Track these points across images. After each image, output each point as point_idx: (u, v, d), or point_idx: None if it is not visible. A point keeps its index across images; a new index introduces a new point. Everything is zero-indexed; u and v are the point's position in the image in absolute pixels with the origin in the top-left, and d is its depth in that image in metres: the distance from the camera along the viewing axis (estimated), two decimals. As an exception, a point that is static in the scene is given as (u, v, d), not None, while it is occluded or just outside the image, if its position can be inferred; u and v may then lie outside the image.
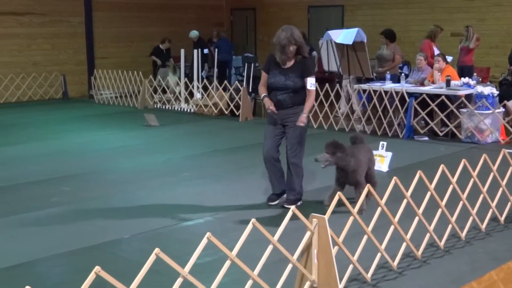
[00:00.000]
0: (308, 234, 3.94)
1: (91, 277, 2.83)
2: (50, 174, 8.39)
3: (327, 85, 12.32)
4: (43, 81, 17.74)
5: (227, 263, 3.50)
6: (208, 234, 3.34)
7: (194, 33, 17.66)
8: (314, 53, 16.38)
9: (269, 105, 6.47)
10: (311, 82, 6.36)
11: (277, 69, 6.43)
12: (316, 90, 12.02)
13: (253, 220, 3.64)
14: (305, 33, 5.68)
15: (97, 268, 2.83)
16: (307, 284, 3.97)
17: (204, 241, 3.33)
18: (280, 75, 6.41)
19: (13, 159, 9.45)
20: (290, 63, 6.40)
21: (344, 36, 12.53)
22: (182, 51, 15.60)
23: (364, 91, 11.82)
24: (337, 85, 12.67)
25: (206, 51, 17.46)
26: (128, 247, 5.53)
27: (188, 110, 14.96)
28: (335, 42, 12.85)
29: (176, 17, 20.41)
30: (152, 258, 3.07)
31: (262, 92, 6.64)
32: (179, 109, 15.20)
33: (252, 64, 15.42)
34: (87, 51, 18.85)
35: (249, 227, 3.62)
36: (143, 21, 19.71)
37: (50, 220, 6.36)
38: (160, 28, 19.48)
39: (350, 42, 12.32)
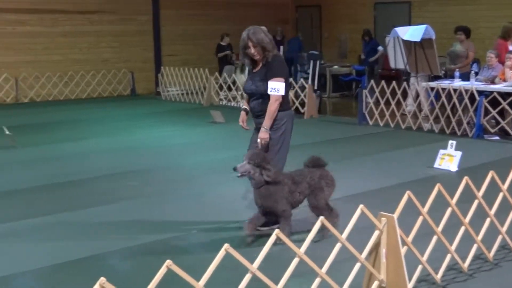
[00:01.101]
0: (376, 233, 3.89)
1: (162, 270, 2.87)
2: (118, 169, 8.57)
3: (394, 82, 12.14)
4: (112, 78, 18.15)
5: (295, 261, 3.49)
6: (276, 231, 3.34)
7: (260, 30, 17.69)
8: (380, 47, 16.17)
9: (240, 120, 5.94)
10: (271, 86, 5.53)
11: (249, 74, 5.85)
12: (382, 88, 12.04)
13: (321, 218, 3.62)
14: (282, 33, 4.83)
15: (168, 262, 2.87)
16: (375, 283, 3.93)
17: (272, 238, 3.33)
18: (249, 80, 5.80)
19: (83, 154, 9.69)
20: (258, 67, 5.73)
21: (411, 33, 12.32)
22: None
23: (432, 89, 11.60)
24: (404, 83, 12.47)
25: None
26: (195, 242, 5.59)
27: (253, 107, 14.99)
28: (402, 39, 12.65)
29: (241, 15, 20.47)
30: (221, 253, 3.09)
31: (244, 102, 6.04)
32: (244, 106, 15.26)
33: (318, 62, 15.36)
34: (155, 49, 19.18)
35: (317, 225, 3.60)
36: (209, 19, 19.89)
37: (118, 214, 6.49)
38: (225, 26, 19.59)
39: (418, 39, 12.10)
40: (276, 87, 5.54)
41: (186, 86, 16.74)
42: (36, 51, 17.03)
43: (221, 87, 16.29)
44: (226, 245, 3.10)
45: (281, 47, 16.46)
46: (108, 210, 6.64)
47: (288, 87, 5.75)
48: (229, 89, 16.30)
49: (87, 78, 17.64)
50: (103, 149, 10.10)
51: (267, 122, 5.57)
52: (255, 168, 5.25)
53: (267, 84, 5.56)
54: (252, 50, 5.61)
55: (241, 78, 16.45)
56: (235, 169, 5.32)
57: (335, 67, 18.00)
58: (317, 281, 3.67)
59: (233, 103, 15.66)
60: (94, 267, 4.98)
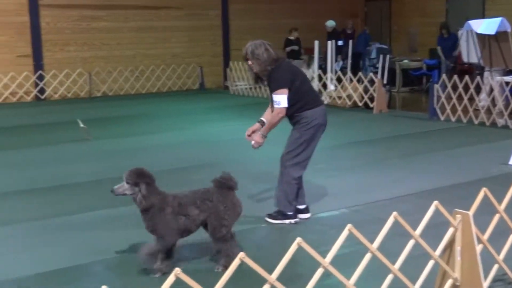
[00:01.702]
0: (451, 230, 3.81)
1: (235, 262, 2.89)
2: (189, 162, 8.70)
3: (466, 77, 11.84)
4: (182, 73, 18.41)
5: (368, 256, 3.45)
6: (349, 226, 3.32)
7: (331, 23, 17.59)
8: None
9: (248, 129, 5.95)
10: (274, 100, 5.61)
11: None
12: (454, 83, 11.75)
13: (394, 213, 3.57)
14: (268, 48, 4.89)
15: (241, 254, 2.89)
16: (449, 281, 3.85)
17: (345, 233, 3.31)
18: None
19: (153, 147, 9.87)
20: (265, 81, 5.81)
21: (486, 26, 11.99)
22: (316, 42, 15.58)
23: (507, 83, 11.26)
24: (478, 77, 12.15)
25: (340, 42, 17.34)
26: (266, 236, 5.62)
27: (321, 102, 14.93)
28: (476, 33, 12.32)
29: (310, 8, 20.41)
30: (293, 247, 3.09)
31: (265, 113, 6.02)
32: (312, 101, 15.21)
33: (387, 56, 15.14)
34: (223, 43, 19.33)
35: (391, 220, 3.55)
36: (278, 13, 19.89)
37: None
38: (293, 20, 19.57)
39: (493, 32, 11.78)
40: (277, 100, 5.58)
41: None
42: (109, 46, 17.46)
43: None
44: (298, 239, 3.10)
45: (350, 41, 16.28)
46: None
47: (305, 83, 5.77)
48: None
49: (157, 73, 17.96)
50: (173, 142, 10.26)
51: (265, 130, 5.72)
52: (133, 188, 4.55)
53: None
54: (249, 62, 5.72)
55: (308, 73, 16.39)
56: (112, 191, 4.64)
57: (405, 61, 17.70)
58: (390, 277, 3.62)
59: (301, 98, 15.61)
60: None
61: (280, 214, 5.90)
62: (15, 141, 10.68)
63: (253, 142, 5.78)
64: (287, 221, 5.86)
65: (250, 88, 16.85)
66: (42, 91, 16.48)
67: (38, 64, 16.43)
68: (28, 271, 4.78)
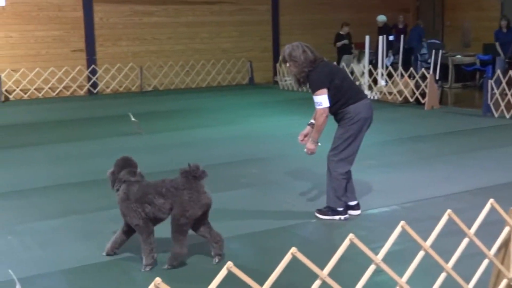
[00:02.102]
0: (507, 229, 3.73)
1: (287, 257, 2.89)
2: (239, 156, 8.74)
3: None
4: (231, 67, 18.48)
5: (421, 254, 3.41)
6: (402, 222, 3.28)
7: (382, 18, 17.39)
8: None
9: (301, 133, 6.02)
10: (315, 101, 5.64)
11: None
12: (509, 78, 11.46)
13: (449, 211, 3.51)
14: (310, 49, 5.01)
15: (293, 249, 2.89)
16: (504, 281, 3.76)
17: (398, 230, 3.27)
18: None
19: (205, 141, 9.95)
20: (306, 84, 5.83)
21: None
22: (367, 37, 15.43)
23: None
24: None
25: (391, 37, 17.13)
26: (315, 231, 5.61)
27: (372, 97, 14.79)
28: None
29: (360, 3, 20.23)
30: (346, 243, 3.07)
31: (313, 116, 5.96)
32: (362, 96, 15.09)
33: (440, 51, 14.88)
34: (273, 38, 19.32)
35: (445, 218, 3.49)
36: (328, 8, 19.78)
37: (239, 200, 6.61)
38: (344, 14, 19.41)
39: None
40: (318, 101, 5.60)
41: (303, 76, 16.73)
42: (160, 41, 17.65)
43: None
44: (351, 235, 3.08)
45: (402, 36, 16.05)
46: (229, 196, 6.77)
47: (345, 80, 5.77)
48: (347, 78, 16.12)
49: (207, 67, 18.08)
50: (223, 136, 10.32)
51: (314, 135, 5.72)
52: (111, 175, 4.93)
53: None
54: (287, 65, 5.79)
55: (359, 68, 16.26)
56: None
57: (458, 56, 17.37)
58: (443, 276, 3.57)
59: (351, 93, 15.50)
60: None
61: (330, 210, 5.88)
62: (69, 134, 10.90)
63: (305, 149, 5.82)
64: (336, 217, 5.85)
65: (300, 83, 16.77)
66: (94, 85, 16.78)
67: (91, 59, 16.73)
68: (77, 263, 4.88)
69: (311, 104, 6.40)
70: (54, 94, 16.34)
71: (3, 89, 15.63)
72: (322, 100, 5.59)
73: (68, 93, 16.50)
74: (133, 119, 10.65)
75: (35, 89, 16.06)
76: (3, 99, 15.53)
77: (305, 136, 5.95)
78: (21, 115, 13.34)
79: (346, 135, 5.76)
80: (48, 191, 7.12)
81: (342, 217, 5.85)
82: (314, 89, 5.63)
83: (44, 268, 4.79)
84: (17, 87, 15.86)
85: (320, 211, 5.96)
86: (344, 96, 5.67)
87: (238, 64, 18.61)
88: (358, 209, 6.04)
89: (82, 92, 16.69)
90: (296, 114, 12.54)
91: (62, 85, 16.34)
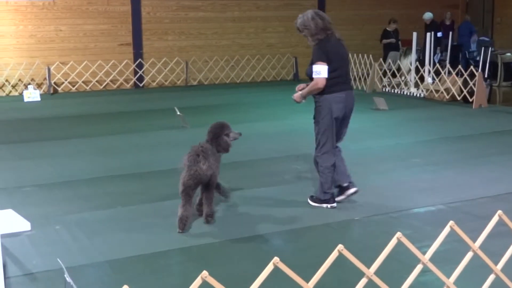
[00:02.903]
0: (558, 232, 3.65)
1: (333, 254, 2.88)
2: (282, 152, 8.74)
3: None
4: (276, 63, 18.48)
5: (469, 255, 3.36)
6: (451, 222, 3.24)
7: (428, 15, 17.15)
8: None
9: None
10: (314, 70, 5.87)
11: None
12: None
13: (499, 212, 3.45)
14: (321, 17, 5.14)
15: (340, 246, 2.88)
16: (554, 285, 3.68)
17: (446, 229, 3.23)
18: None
19: (249, 136, 9.91)
20: None
21: None
22: (414, 34, 15.25)
23: None
24: None
25: (439, 34, 16.88)
26: (359, 229, 5.57)
27: (418, 95, 14.62)
28: None
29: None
30: (393, 242, 3.05)
31: None
32: (408, 94, 14.92)
33: (489, 49, 14.60)
34: (319, 34, 19.21)
35: (495, 218, 3.43)
36: (375, 4, 19.60)
37: (282, 196, 6.60)
38: (391, 10, 19.21)
39: None
40: (317, 70, 5.84)
41: (353, 71, 16.63)
42: (206, 35, 17.74)
43: (384, 74, 16.02)
44: (398, 234, 3.05)
45: (450, 33, 15.80)
46: (272, 192, 6.78)
47: (340, 66, 5.98)
48: (393, 75, 15.97)
49: (252, 63, 18.11)
50: (267, 132, 10.32)
51: (305, 91, 6.01)
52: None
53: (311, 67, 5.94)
54: (303, 34, 6.05)
55: (406, 65, 16.08)
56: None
57: (508, 54, 17.01)
58: (491, 277, 3.51)
59: (396, 90, 15.35)
60: (260, 246, 5.11)
61: (318, 199, 6.22)
62: (115, 127, 11.05)
63: (294, 95, 6.13)
64: (324, 205, 6.15)
65: (345, 80, 16.66)
66: (140, 79, 16.98)
67: (137, 53, 16.93)
68: (122, 254, 4.96)
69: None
70: (101, 87, 16.59)
71: (52, 82, 15.93)
72: (321, 69, 5.84)
73: (114, 87, 16.73)
74: (178, 113, 10.74)
75: (82, 82, 16.33)
76: (52, 91, 15.84)
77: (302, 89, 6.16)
78: (69, 107, 13.59)
79: (322, 130, 6.07)
80: (95, 182, 7.24)
81: (329, 205, 6.14)
82: (316, 60, 5.88)
83: (91, 258, 4.88)
84: (66, 80, 16.16)
85: (312, 198, 6.27)
86: (329, 82, 5.88)
87: (283, 59, 18.59)
88: (353, 187, 6.27)
89: (128, 86, 16.91)
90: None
91: (109, 79, 16.58)
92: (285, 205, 6.29)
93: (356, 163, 7.99)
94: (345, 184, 6.27)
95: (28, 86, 15.22)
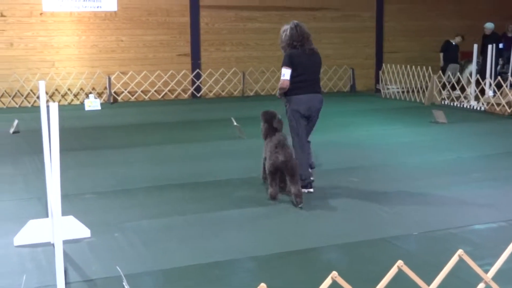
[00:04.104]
0: None
1: (393, 270, 2.84)
2: (338, 164, 8.69)
3: None
4: (333, 74, 18.41)
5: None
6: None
7: (490, 25, 16.82)
8: None
9: None
10: (282, 72, 7.03)
11: None
12: None
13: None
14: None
15: (400, 262, 2.84)
16: None
17: (510, 248, 3.14)
18: None
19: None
20: None
21: None
22: (475, 46, 14.97)
23: None
24: None
25: (501, 45, 16.52)
26: (417, 244, 5.48)
27: (478, 108, 14.32)
28: None
29: (469, 10, 19.64)
30: (454, 259, 2.99)
31: None
32: (468, 107, 14.63)
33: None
34: (376, 45, 19.10)
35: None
36: (434, 14, 19.35)
37: (338, 208, 6.55)
38: (451, 22, 18.95)
39: None
40: (283, 73, 7.02)
41: (407, 84, 16.45)
42: (263, 46, 17.81)
43: (443, 86, 15.75)
44: (460, 251, 2.99)
45: (512, 45, 15.46)
46: (328, 204, 6.73)
47: (304, 73, 7.01)
48: (453, 88, 15.70)
49: (309, 74, 18.04)
50: (322, 144, 10.24)
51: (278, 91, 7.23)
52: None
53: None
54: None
55: (465, 78, 15.78)
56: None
57: None
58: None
59: (456, 103, 15.07)
60: (316, 259, 5.08)
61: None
62: (172, 136, 11.20)
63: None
64: (303, 190, 6.94)
65: (403, 92, 16.49)
66: (198, 89, 17.17)
67: (195, 63, 17.14)
68: (178, 263, 4.99)
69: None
70: (160, 96, 16.85)
71: (112, 91, 16.27)
72: (285, 73, 6.99)
73: (172, 96, 16.97)
74: (235, 123, 10.80)
75: (141, 91, 16.63)
76: (112, 100, 16.18)
77: None
78: (128, 116, 13.84)
79: (289, 126, 7.22)
80: (152, 191, 7.34)
81: (306, 190, 7.05)
82: (282, 64, 7.03)
83: (148, 266, 4.94)
84: (125, 89, 16.48)
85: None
86: (294, 86, 7.00)
87: (340, 71, 18.51)
88: (310, 187, 7.19)
89: (186, 96, 17.12)
90: (399, 123, 12.33)
91: (167, 88, 16.83)
92: (341, 218, 6.24)
93: (414, 177, 7.89)
94: (304, 180, 7.03)
95: (89, 95, 15.63)
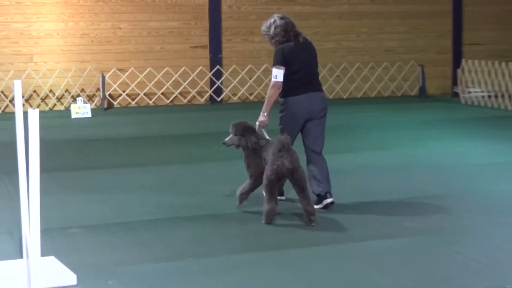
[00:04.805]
0: None
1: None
2: (404, 192, 8.62)
3: None
4: (396, 73, 18.38)
5: None
6: None
7: None
8: None
9: None
10: (272, 73, 7.72)
11: None
12: None
13: None
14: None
15: None
16: None
17: None
18: None
19: (361, 169, 9.90)
20: None
21: None
22: None
23: None
24: None
25: None
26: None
27: None
28: None
29: None
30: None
31: None
32: None
33: None
34: (454, 36, 19.01)
35: None
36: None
37: (402, 252, 6.48)
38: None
39: None
40: (274, 74, 7.67)
41: (494, 86, 16.30)
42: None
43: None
44: None
45: None
46: (389, 246, 6.64)
47: (302, 68, 7.74)
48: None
49: (364, 72, 18.04)
50: (384, 164, 10.22)
51: (264, 106, 7.84)
52: (240, 138, 7.67)
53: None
54: (266, 39, 8.19)
55: None
56: (224, 143, 7.92)
57: None
58: None
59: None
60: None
61: None
62: (184, 153, 11.27)
63: (257, 123, 7.87)
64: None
65: (489, 97, 16.35)
66: (218, 91, 17.19)
67: (215, 58, 17.16)
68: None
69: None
70: (168, 101, 16.93)
71: (107, 93, 16.36)
72: (278, 73, 7.62)
73: (185, 101, 17.04)
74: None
75: (144, 94, 16.72)
76: (106, 105, 16.30)
77: None
78: (127, 126, 13.93)
79: (281, 127, 7.89)
80: (158, 225, 7.34)
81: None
82: (274, 63, 7.73)
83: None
84: (123, 91, 16.57)
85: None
86: (290, 85, 7.68)
87: (405, 68, 18.45)
88: (330, 197, 7.83)
89: (202, 100, 17.16)
90: (484, 139, 12.23)
91: (178, 90, 16.90)
92: (407, 266, 6.17)
93: (507, 211, 7.76)
94: (323, 194, 7.77)
95: (77, 98, 15.73)
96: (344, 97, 17.94)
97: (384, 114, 15.24)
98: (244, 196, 7.69)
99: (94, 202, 8.28)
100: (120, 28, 16.59)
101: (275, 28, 7.83)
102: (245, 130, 7.65)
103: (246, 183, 7.71)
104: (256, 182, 7.60)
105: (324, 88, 17.28)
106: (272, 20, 7.93)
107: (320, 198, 7.79)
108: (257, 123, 7.84)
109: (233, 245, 6.69)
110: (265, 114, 7.83)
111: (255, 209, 7.88)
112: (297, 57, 7.74)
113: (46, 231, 7.03)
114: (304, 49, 7.88)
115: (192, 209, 7.96)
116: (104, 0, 16.42)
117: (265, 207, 7.16)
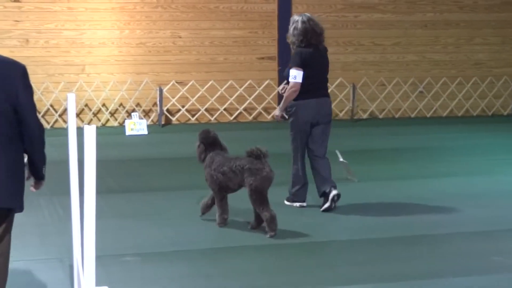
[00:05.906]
0: None
1: None
2: (494, 223, 8.58)
3: None
4: (487, 89, 18.21)
5: None
6: None
7: None
8: None
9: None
10: (291, 74, 8.77)
11: None
12: None
13: None
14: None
15: None
16: None
17: None
18: None
19: (445, 197, 9.81)
20: None
21: None
22: None
23: None
24: None
25: None
26: None
27: None
28: None
29: None
30: None
31: None
32: None
33: None
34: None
35: None
36: None
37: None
38: None
39: None
40: (293, 75, 8.72)
41: None
42: (383, 47, 17.75)
43: None
44: None
45: None
46: (478, 283, 6.61)
47: (317, 73, 8.91)
48: None
49: (451, 88, 17.86)
50: (472, 192, 10.14)
51: (282, 104, 9.08)
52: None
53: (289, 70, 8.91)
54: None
55: None
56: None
57: None
58: None
59: None
60: None
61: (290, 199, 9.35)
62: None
63: (275, 113, 9.49)
64: (294, 204, 9.24)
65: None
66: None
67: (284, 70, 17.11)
68: None
69: None
70: (231, 118, 16.98)
71: (164, 109, 16.48)
72: (297, 74, 8.68)
73: (250, 118, 17.06)
74: (341, 159, 10.76)
75: (206, 109, 16.79)
76: (163, 121, 16.41)
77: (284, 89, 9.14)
78: (186, 145, 13.80)
79: (292, 136, 9.12)
80: (220, 254, 7.41)
81: (298, 204, 9.20)
82: (292, 65, 8.79)
83: None
84: (183, 107, 16.67)
85: (286, 198, 9.32)
86: (301, 89, 8.71)
87: (497, 84, 18.24)
88: (334, 189, 8.89)
89: (269, 117, 17.13)
90: None
91: (243, 106, 16.95)
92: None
93: None
94: (328, 190, 8.79)
95: (132, 113, 15.88)
96: (428, 115, 17.80)
97: (473, 136, 15.07)
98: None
99: (150, 227, 8.38)
100: (180, 37, 16.69)
101: (293, 29, 9.00)
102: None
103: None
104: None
105: (405, 105, 17.57)
106: (296, 18, 9.09)
107: (326, 195, 8.86)
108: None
109: (309, 278, 6.69)
110: (282, 111, 9.13)
111: (330, 238, 7.90)
112: (314, 63, 8.88)
113: (98, 259, 7.09)
114: (321, 55, 9.04)
115: (261, 237, 7.98)
116: (163, 6, 16.52)
117: (266, 216, 7.89)
